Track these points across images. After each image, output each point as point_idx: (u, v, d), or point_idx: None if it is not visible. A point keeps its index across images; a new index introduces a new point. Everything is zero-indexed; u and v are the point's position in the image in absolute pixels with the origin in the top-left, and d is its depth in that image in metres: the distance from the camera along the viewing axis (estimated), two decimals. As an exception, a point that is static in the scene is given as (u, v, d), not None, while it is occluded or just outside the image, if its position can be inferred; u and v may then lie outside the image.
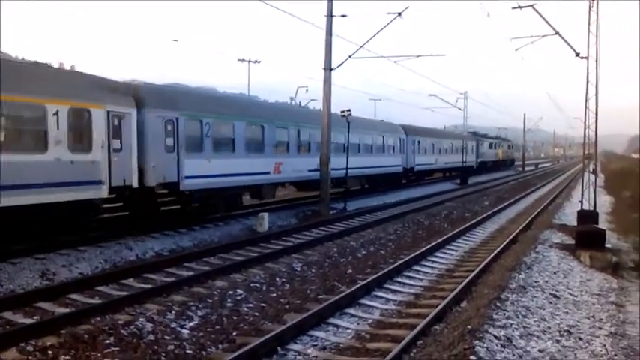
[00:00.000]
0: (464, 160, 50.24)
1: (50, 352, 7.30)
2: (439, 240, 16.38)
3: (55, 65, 15.16)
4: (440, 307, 9.48)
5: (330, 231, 18.15)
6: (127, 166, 14.75)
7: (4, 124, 11.78)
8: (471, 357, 7.04)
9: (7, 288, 10.54)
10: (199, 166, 17.31)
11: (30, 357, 7.17)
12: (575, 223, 20.02)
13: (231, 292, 10.42)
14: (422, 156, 40.29)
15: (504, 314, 9.11)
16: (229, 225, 18.49)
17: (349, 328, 8.88)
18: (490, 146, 66.86)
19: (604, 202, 32.55)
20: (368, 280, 11.27)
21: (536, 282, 11.86)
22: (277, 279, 11.72)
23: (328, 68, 21.66)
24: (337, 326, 8.95)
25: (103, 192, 13.99)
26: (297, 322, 8.51)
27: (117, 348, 7.54)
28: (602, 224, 20.35)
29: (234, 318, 9.14)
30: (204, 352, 7.70)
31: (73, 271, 12.04)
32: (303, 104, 35.17)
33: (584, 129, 21.77)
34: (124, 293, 10.27)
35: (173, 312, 9.12)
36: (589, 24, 19.93)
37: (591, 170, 28.54)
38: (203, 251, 14.13)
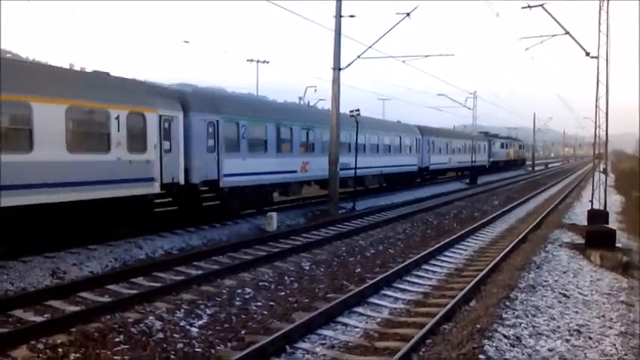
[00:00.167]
0: (476, 159, 51.37)
1: (60, 350, 7.35)
2: (448, 239, 16.34)
3: (66, 66, 15.44)
4: (449, 306, 9.46)
5: (338, 230, 18.15)
6: (176, 165, 16.17)
7: (77, 128, 13.27)
8: (480, 356, 7.02)
9: (17, 286, 10.63)
10: (236, 165, 18.72)
11: (40, 355, 7.21)
12: (586, 223, 19.93)
13: (240, 291, 10.45)
14: (436, 155, 41.67)
15: (514, 313, 9.07)
16: (238, 224, 18.54)
17: (358, 327, 8.88)
18: (502, 146, 67.90)
19: (614, 202, 32.35)
20: (377, 279, 11.27)
21: (545, 281, 11.81)
22: (286, 278, 11.74)
23: (337, 68, 21.66)
24: (346, 325, 8.95)
25: (156, 188, 15.43)
26: (305, 320, 8.52)
27: (126, 346, 7.59)
28: (612, 224, 20.23)
29: (243, 317, 9.16)
30: (213, 351, 7.72)
31: (84, 269, 12.11)
32: (312, 104, 35.21)
33: (595, 128, 21.64)
34: (134, 292, 10.32)
35: (182, 310, 9.16)
36: (599, 23, 19.82)
37: (601, 170, 28.37)
38: (212, 250, 14.16)
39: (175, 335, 8.13)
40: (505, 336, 7.91)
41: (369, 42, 22.10)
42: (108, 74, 15.34)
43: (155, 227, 15.82)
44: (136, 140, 14.73)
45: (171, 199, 16.96)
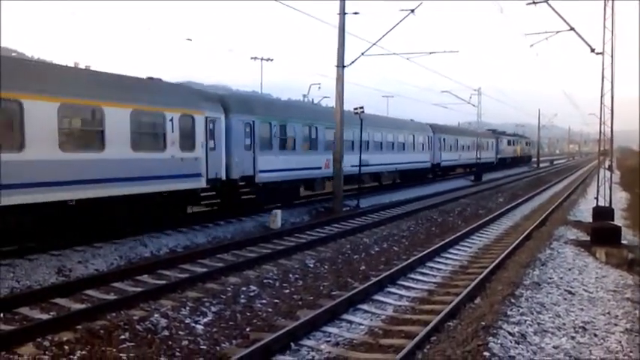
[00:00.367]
0: (484, 156, 53.10)
1: (66, 347, 7.39)
2: (453, 237, 16.32)
3: (71, 64, 15.69)
4: (453, 303, 9.45)
5: (343, 228, 18.15)
6: (219, 161, 17.81)
7: (139, 130, 14.70)
8: (485, 353, 7.01)
9: (23, 284, 10.67)
10: (269, 161, 20.37)
11: (46, 352, 7.25)
12: (591, 220, 19.85)
13: (244, 289, 10.47)
14: (447, 152, 43.21)
15: (518, 311, 9.06)
16: (242, 222, 18.56)
17: (362, 325, 8.89)
18: (509, 143, 69.28)
19: (620, 199, 32.22)
20: (381, 276, 11.27)
21: (550, 279, 11.78)
22: (290, 275, 11.75)
23: (341, 66, 21.64)
24: (350, 322, 8.96)
25: (203, 183, 17.00)
26: (310, 318, 8.54)
27: (132, 343, 7.62)
28: (617, 221, 20.15)
29: (248, 314, 9.18)
30: (218, 348, 7.75)
31: (89, 267, 12.15)
32: (316, 102, 35.24)
33: (600, 125, 21.56)
34: (139, 289, 10.36)
35: (187, 308, 9.18)
36: (604, 19, 19.73)
37: (607, 166, 28.27)
38: (217, 248, 14.19)
39: (180, 332, 8.16)
40: (510, 333, 7.89)
41: (373, 39, 22.16)
42: (160, 80, 17.11)
43: (162, 225, 15.94)
44: (187, 140, 16.25)
45: (214, 193, 18.34)
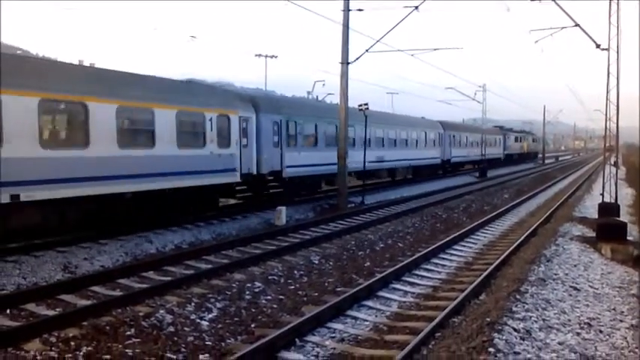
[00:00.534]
0: (492, 152, 54.35)
1: (72, 343, 7.43)
2: (458, 233, 16.30)
3: (75, 62, 15.91)
4: (458, 299, 9.44)
5: (347, 224, 18.16)
6: (250, 158, 19.13)
7: (183, 128, 15.96)
8: (490, 349, 7.01)
9: (30, 281, 10.72)
10: (294, 157, 21.74)
11: (53, 348, 7.28)
12: (596, 216, 19.79)
13: (249, 285, 10.49)
14: (457, 149, 44.61)
15: (524, 307, 9.04)
16: (247, 218, 18.59)
17: (367, 321, 8.89)
18: (516, 139, 70.17)
19: (625, 195, 32.05)
20: (386, 272, 11.26)
21: (556, 275, 11.76)
22: (295, 272, 11.77)
23: (345, 62, 21.62)
24: (355, 318, 8.97)
25: (237, 177, 18.36)
26: (315, 314, 8.54)
27: (137, 339, 7.65)
28: (623, 217, 20.09)
29: (253, 310, 9.20)
30: (223, 344, 7.77)
31: (95, 264, 12.20)
32: (320, 98, 35.20)
33: (605, 121, 21.47)
34: (145, 286, 10.39)
35: (193, 304, 9.21)
36: (610, 15, 19.64)
37: (612, 162, 28.17)
38: (222, 244, 14.22)
39: (186, 329, 8.18)
40: (515, 329, 7.88)
41: (377, 36, 22.03)
42: (199, 82, 18.90)
43: (167, 221, 16.07)
44: (223, 137, 17.53)
45: (246, 187, 19.89)
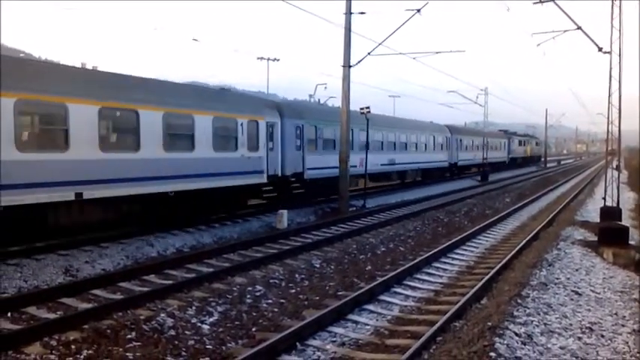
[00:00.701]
0: (494, 155, 54.90)
1: (73, 346, 7.43)
2: (459, 237, 16.27)
3: (78, 65, 15.90)
4: (460, 303, 9.43)
5: (349, 228, 18.14)
6: (276, 160, 20.48)
7: (218, 133, 17.14)
8: (491, 354, 7.00)
9: (31, 284, 10.73)
10: (315, 160, 22.96)
11: (53, 351, 7.29)
12: (598, 220, 19.76)
13: (250, 289, 10.49)
14: (463, 152, 45.72)
15: (525, 311, 9.03)
16: (249, 222, 18.59)
17: (368, 325, 8.88)
18: (520, 143, 71.04)
19: (627, 199, 32.02)
20: (387, 276, 11.24)
21: (557, 279, 11.73)
22: (296, 275, 11.76)
23: (347, 65, 21.63)
24: (356, 322, 8.95)
25: (264, 179, 19.58)
26: (316, 318, 8.53)
27: (138, 343, 7.65)
28: (625, 221, 20.05)
29: (254, 314, 9.19)
30: (224, 348, 7.76)
31: (96, 267, 12.20)
32: (322, 102, 35.26)
33: (607, 124, 21.46)
34: (146, 289, 10.38)
35: (193, 308, 9.21)
36: (612, 18, 19.63)
37: (614, 166, 28.13)
38: (223, 248, 14.21)
39: (187, 332, 8.18)
40: (516, 334, 7.87)
41: (379, 39, 22.05)
42: (230, 90, 20.31)
43: (168, 225, 16.15)
44: (252, 141, 18.75)
45: (272, 188, 20.82)
